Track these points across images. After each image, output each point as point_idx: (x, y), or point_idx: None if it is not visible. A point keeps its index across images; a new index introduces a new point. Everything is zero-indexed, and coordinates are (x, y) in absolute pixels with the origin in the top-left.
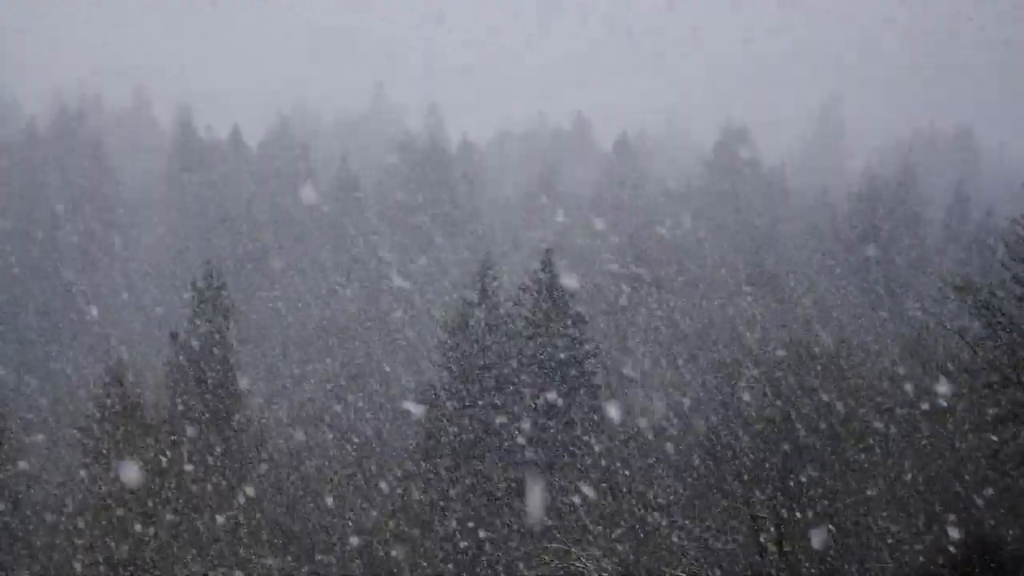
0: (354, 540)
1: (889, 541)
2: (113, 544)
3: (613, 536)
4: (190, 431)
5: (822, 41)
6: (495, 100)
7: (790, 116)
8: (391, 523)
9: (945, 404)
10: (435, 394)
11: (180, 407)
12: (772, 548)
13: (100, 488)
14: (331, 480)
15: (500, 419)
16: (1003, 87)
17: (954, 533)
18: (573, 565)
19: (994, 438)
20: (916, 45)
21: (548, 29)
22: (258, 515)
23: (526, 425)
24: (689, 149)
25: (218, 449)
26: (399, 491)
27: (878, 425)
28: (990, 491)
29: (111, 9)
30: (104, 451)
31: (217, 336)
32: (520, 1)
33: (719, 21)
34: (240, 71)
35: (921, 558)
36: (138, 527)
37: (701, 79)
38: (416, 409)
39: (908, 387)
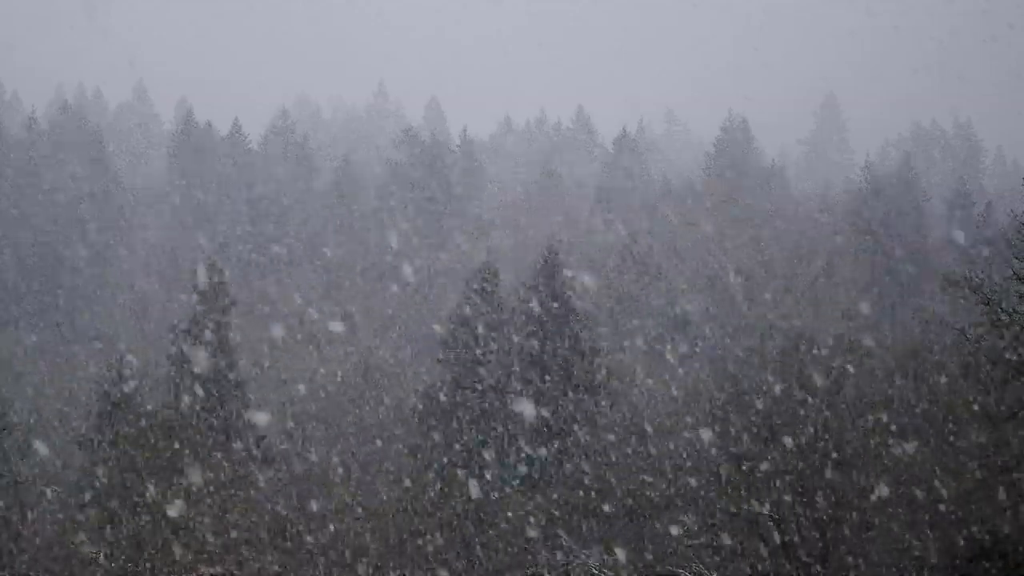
0: (353, 536)
1: (892, 540)
2: (114, 542)
3: (614, 533)
4: (192, 427)
5: (822, 41)
6: (495, 100)
7: (790, 116)
8: (391, 519)
9: (947, 400)
10: (435, 390)
11: (182, 403)
12: (776, 547)
13: (102, 486)
14: (331, 476)
15: (501, 415)
16: (1003, 87)
17: (957, 531)
18: (574, 562)
19: (997, 434)
20: (916, 45)
21: (548, 29)
22: (259, 512)
23: (527, 421)
24: (689, 147)
25: (220, 445)
26: (398, 486)
27: (879, 423)
28: (994, 488)
29: (111, 5)
30: (106, 448)
31: (219, 331)
32: (519, 2)
33: (719, 21)
34: (241, 68)
35: (925, 556)
36: (139, 525)
37: (701, 79)
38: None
39: (910, 383)
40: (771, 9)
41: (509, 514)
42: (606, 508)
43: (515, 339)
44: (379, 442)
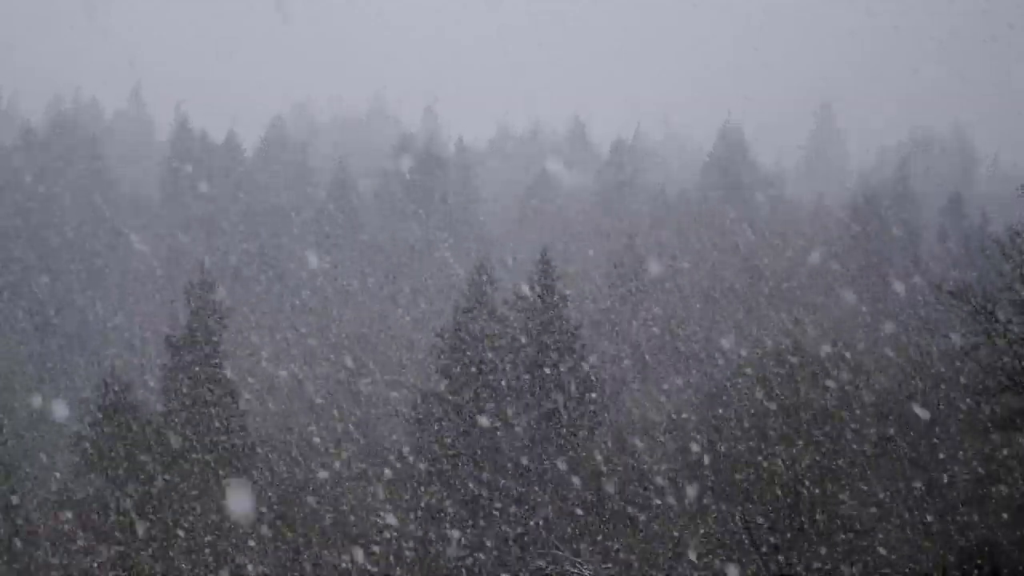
0: (346, 543)
1: (887, 549)
2: (108, 547)
3: (607, 542)
4: (186, 435)
5: (822, 41)
6: (495, 100)
7: (790, 116)
8: (384, 526)
9: (941, 410)
10: (429, 399)
11: (176, 411)
12: (769, 557)
13: (96, 491)
14: (325, 483)
15: (494, 423)
16: (1003, 87)
17: (951, 540)
18: (566, 571)
19: (990, 444)
20: (916, 45)
21: (548, 29)
22: (253, 518)
23: (520, 430)
24: (687, 151)
25: (214, 452)
26: (392, 495)
27: (875, 432)
28: (987, 497)
29: (111, 5)
30: (100, 454)
31: (213, 340)
32: (519, 2)
33: (719, 21)
34: (241, 68)
35: (919, 565)
36: (133, 530)
37: (701, 79)
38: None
39: (904, 393)
40: (771, 9)
41: (502, 519)
42: (599, 515)
43: (509, 346)
44: (376, 453)
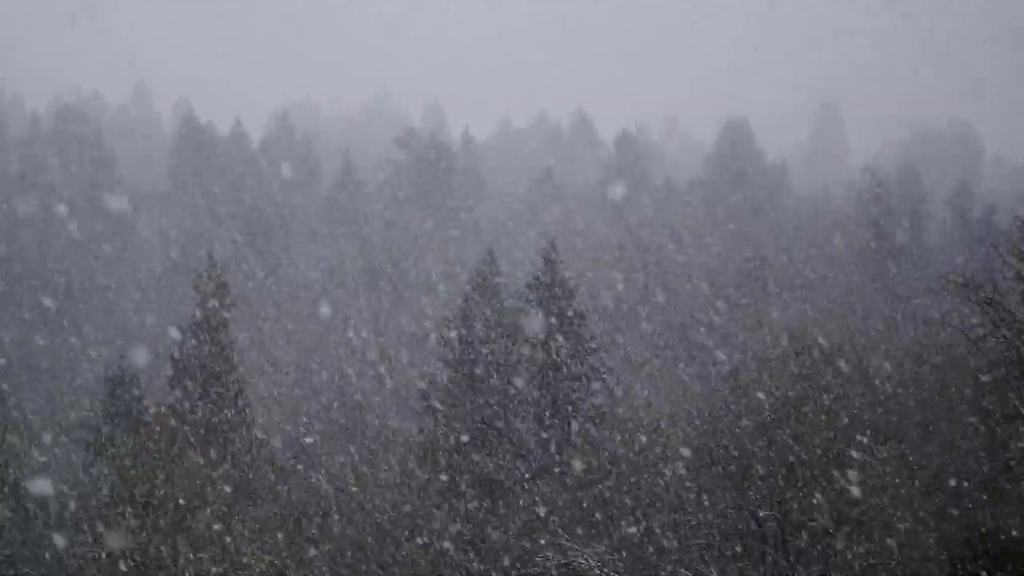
0: (353, 535)
1: (891, 540)
2: (115, 542)
3: (614, 533)
4: (193, 428)
5: (822, 41)
6: (495, 100)
7: (790, 116)
8: (390, 519)
9: (947, 402)
10: (436, 390)
11: (182, 403)
12: (775, 546)
13: (102, 485)
14: (331, 475)
15: (501, 414)
16: (1003, 87)
17: (956, 532)
18: (574, 561)
19: (998, 434)
20: (916, 45)
21: (548, 29)
22: (260, 512)
23: (527, 421)
24: (689, 149)
25: (220, 445)
26: (398, 488)
27: (880, 423)
28: (992, 490)
29: (111, 5)
30: (106, 448)
31: (220, 331)
32: (519, 2)
33: (719, 21)
34: (241, 68)
35: (923, 556)
36: (140, 525)
37: (701, 79)
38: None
39: (910, 385)
40: (771, 9)
41: (509, 511)
42: (606, 505)
43: (515, 338)
44: (382, 440)
